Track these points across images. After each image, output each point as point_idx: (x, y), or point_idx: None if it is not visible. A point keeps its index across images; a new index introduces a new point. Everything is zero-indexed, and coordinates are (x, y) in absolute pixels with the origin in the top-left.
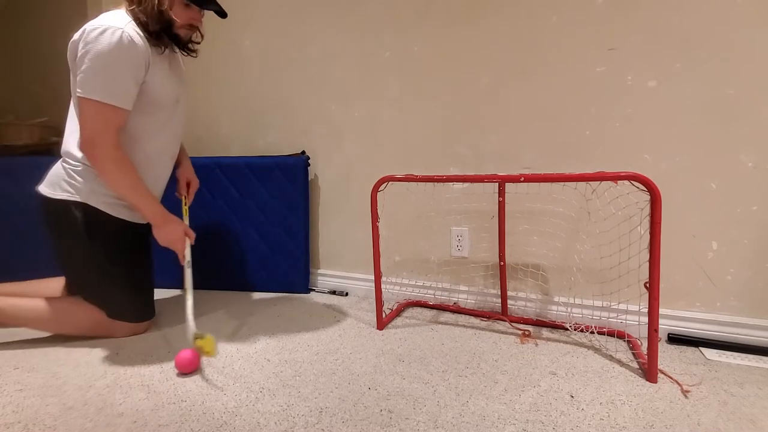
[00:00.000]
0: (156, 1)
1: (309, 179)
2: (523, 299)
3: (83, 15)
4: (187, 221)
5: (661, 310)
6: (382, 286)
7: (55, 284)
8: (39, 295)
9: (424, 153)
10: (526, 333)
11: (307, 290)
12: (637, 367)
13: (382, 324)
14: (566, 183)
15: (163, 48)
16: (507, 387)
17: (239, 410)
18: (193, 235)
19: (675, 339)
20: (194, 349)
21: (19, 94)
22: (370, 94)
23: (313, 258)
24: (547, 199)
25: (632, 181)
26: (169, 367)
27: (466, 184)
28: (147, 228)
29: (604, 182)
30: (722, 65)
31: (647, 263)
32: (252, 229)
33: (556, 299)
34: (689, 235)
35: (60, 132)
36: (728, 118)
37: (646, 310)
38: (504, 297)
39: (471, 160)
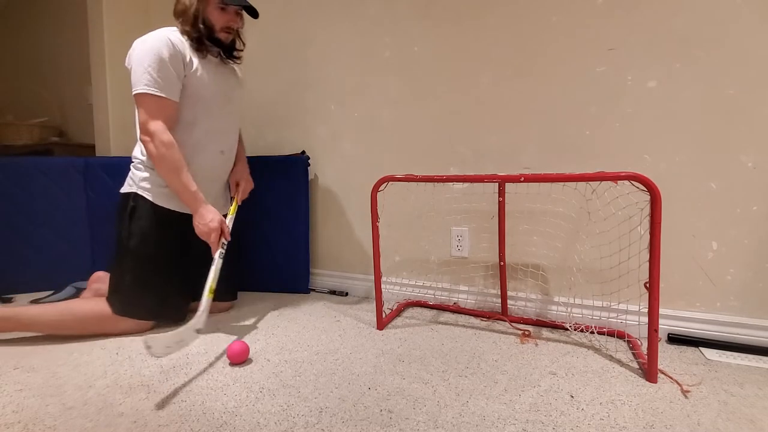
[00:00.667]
0: (193, 10)
1: (309, 179)
2: (523, 299)
3: (83, 16)
4: (230, 221)
5: (661, 310)
6: (382, 286)
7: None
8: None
9: (424, 153)
10: (526, 333)
11: (307, 290)
12: (637, 367)
13: (382, 324)
14: (566, 183)
15: (205, 53)
16: (507, 387)
17: (239, 410)
18: (228, 231)
19: (675, 339)
20: (243, 341)
21: (19, 94)
22: (370, 94)
23: (313, 258)
24: (547, 199)
25: (632, 181)
26: (169, 367)
27: (466, 184)
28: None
29: (604, 182)
30: (722, 65)
31: (647, 263)
32: (252, 229)
33: (556, 299)
34: (689, 235)
35: (59, 132)
36: (728, 118)
37: (646, 310)
38: (504, 297)
39: (471, 160)
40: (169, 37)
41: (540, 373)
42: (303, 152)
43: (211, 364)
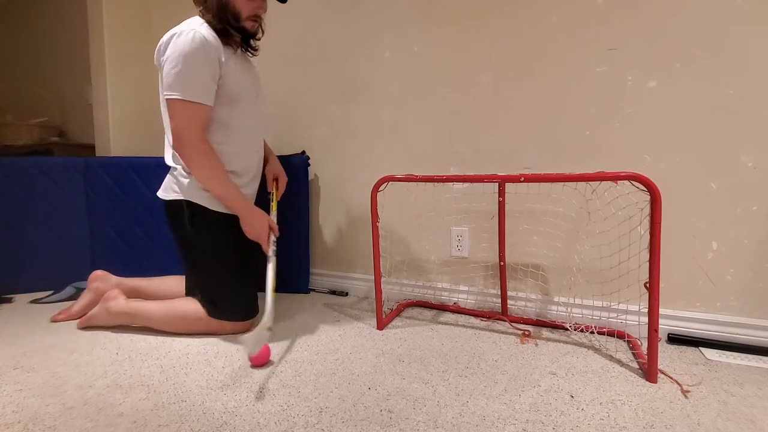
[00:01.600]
0: (219, 3)
1: (309, 179)
2: (523, 299)
3: (83, 16)
4: (273, 216)
5: (661, 310)
6: (382, 286)
7: (172, 282)
8: (159, 292)
9: (424, 153)
10: (526, 333)
11: (307, 290)
12: (637, 367)
13: (382, 324)
14: (566, 183)
15: (235, 47)
16: (507, 387)
17: (239, 410)
18: (276, 228)
19: (675, 339)
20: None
21: (19, 94)
22: (370, 94)
23: (313, 258)
24: (547, 199)
25: (632, 181)
26: (169, 367)
27: (466, 184)
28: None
29: (604, 182)
30: (722, 65)
31: (647, 263)
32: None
33: (556, 299)
34: (689, 235)
35: (59, 132)
36: (728, 118)
37: (646, 310)
38: (504, 297)
39: (471, 160)
40: (204, 35)
41: (540, 373)
42: (303, 152)
43: (211, 364)
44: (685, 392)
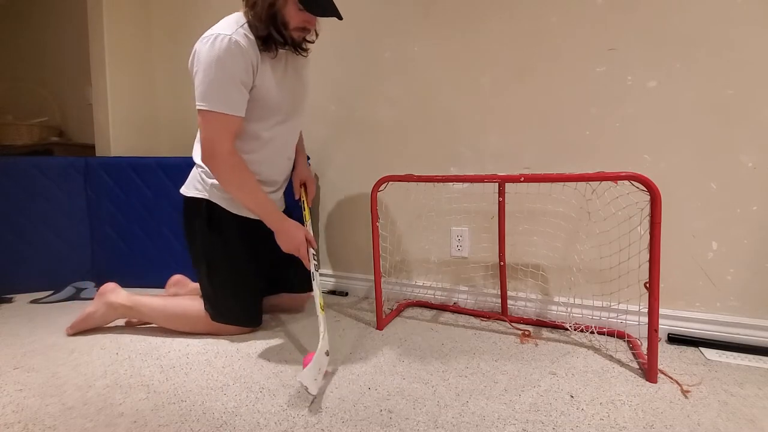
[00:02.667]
0: (268, 4)
1: None
2: (523, 299)
3: (83, 16)
4: (309, 226)
5: (661, 310)
6: (382, 286)
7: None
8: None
9: (424, 153)
10: (526, 333)
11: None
12: (637, 367)
13: (382, 324)
14: (566, 183)
15: (274, 52)
16: (507, 387)
17: (239, 410)
18: (313, 240)
19: (675, 339)
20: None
21: (19, 94)
22: (370, 94)
23: None
24: (547, 199)
25: (632, 181)
26: (169, 367)
27: (466, 184)
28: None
29: (604, 182)
30: (722, 65)
31: (647, 263)
32: None
33: (556, 299)
34: (689, 235)
35: (59, 132)
36: (728, 118)
37: (646, 310)
38: (504, 297)
39: (471, 160)
40: (239, 41)
41: (540, 373)
42: None
43: (210, 364)
44: (685, 392)
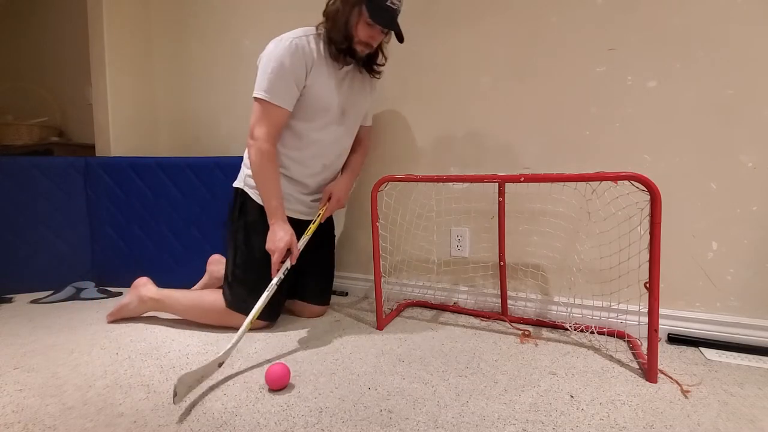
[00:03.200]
0: (344, 19)
1: None
2: (523, 299)
3: (83, 16)
4: (303, 242)
5: (661, 310)
6: (382, 286)
7: None
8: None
9: (424, 153)
10: (526, 333)
11: None
12: (637, 367)
13: (382, 324)
14: (566, 183)
15: (341, 64)
16: (507, 387)
17: (239, 410)
18: (295, 255)
19: (675, 339)
20: (283, 364)
21: (19, 94)
22: None
23: None
24: (547, 199)
25: (632, 181)
26: (169, 367)
27: (466, 184)
28: (300, 226)
29: (604, 182)
30: (722, 65)
31: (647, 263)
32: None
33: (556, 299)
34: (689, 235)
35: (59, 132)
36: (728, 118)
37: (646, 310)
38: (504, 297)
39: (471, 160)
40: (297, 43)
41: (540, 373)
42: None
43: None
44: (685, 392)
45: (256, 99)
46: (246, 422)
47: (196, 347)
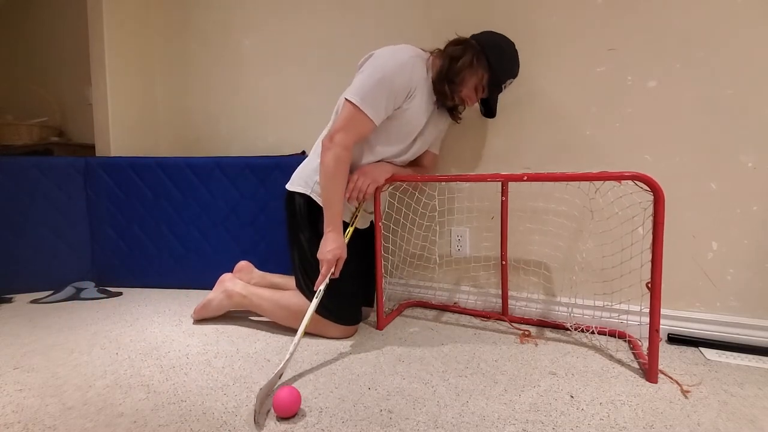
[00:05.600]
0: (463, 71)
1: None
2: (524, 299)
3: (83, 16)
4: (345, 238)
5: (661, 310)
6: (383, 285)
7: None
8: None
9: None
10: (526, 333)
11: None
12: (638, 367)
13: (382, 324)
14: (569, 182)
15: (435, 104)
16: (507, 387)
17: (239, 410)
18: (339, 268)
19: (675, 339)
20: (292, 387)
21: (19, 94)
22: None
23: None
24: (549, 198)
25: (636, 181)
26: (169, 367)
27: (467, 184)
28: (362, 233)
29: (607, 182)
30: (722, 65)
31: (649, 263)
32: (251, 229)
33: (557, 299)
34: (689, 235)
35: (59, 132)
36: (728, 118)
37: (647, 310)
38: (505, 297)
39: (472, 160)
40: (415, 64)
41: (540, 373)
42: (303, 152)
43: (210, 364)
44: (685, 392)
45: (349, 102)
46: (246, 422)
47: (196, 347)
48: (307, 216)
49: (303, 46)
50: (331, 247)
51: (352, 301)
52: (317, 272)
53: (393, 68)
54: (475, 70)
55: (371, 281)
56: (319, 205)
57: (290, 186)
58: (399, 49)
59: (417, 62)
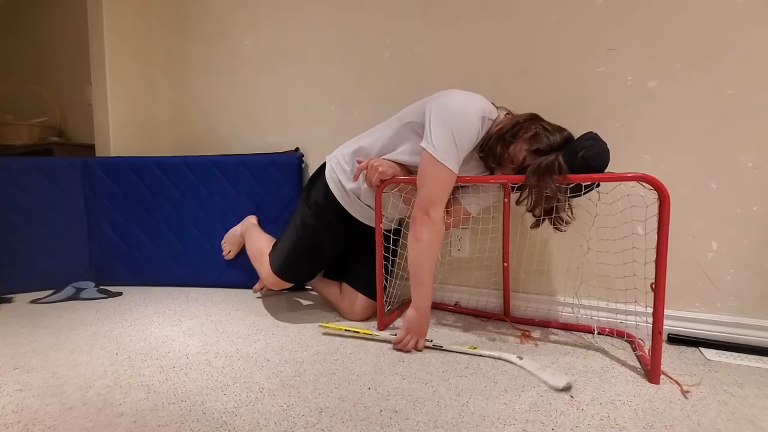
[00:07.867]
0: (512, 149)
1: (303, 178)
2: (525, 299)
3: (83, 15)
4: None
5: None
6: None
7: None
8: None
9: None
10: (526, 333)
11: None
12: (638, 367)
13: (382, 324)
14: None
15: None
16: (507, 387)
17: (239, 410)
18: (420, 345)
19: (675, 339)
20: None
21: (19, 94)
22: (370, 94)
23: None
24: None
25: (641, 182)
26: (169, 367)
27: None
28: (368, 229)
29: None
30: (722, 65)
31: (651, 263)
32: None
33: (557, 299)
34: (689, 235)
35: (59, 132)
36: (728, 118)
37: (648, 310)
38: (506, 297)
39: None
40: (490, 118)
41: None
42: (297, 149)
43: (210, 364)
44: (685, 392)
45: (442, 166)
46: (246, 422)
47: (196, 347)
48: (322, 206)
49: (303, 46)
50: (426, 322)
51: (303, 269)
52: (296, 257)
53: (474, 122)
54: (529, 153)
55: (371, 265)
56: (337, 200)
57: (329, 181)
58: (473, 100)
59: (485, 122)
